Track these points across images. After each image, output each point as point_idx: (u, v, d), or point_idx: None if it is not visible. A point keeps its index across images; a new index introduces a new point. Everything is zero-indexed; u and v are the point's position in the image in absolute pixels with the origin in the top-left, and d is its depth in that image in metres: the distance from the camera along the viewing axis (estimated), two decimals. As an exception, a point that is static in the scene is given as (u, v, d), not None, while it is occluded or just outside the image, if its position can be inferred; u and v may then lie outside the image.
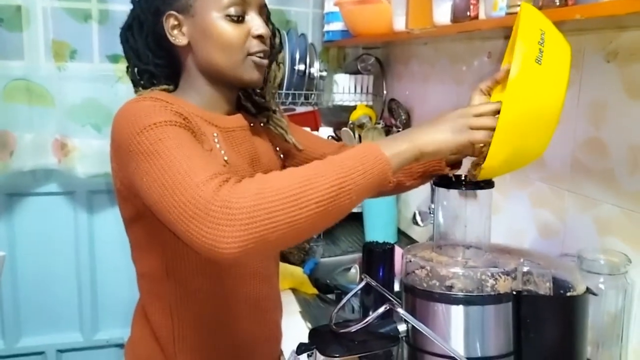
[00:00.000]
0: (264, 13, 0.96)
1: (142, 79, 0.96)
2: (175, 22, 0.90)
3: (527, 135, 0.76)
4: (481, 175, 0.81)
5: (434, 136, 0.76)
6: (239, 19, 0.90)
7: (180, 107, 0.85)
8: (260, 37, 0.92)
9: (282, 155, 1.08)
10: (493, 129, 0.75)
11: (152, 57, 0.94)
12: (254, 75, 0.93)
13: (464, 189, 0.85)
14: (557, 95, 0.74)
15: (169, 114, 0.81)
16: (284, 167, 1.08)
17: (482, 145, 0.80)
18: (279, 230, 0.65)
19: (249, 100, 1.05)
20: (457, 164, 1.01)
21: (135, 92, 0.98)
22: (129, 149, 0.78)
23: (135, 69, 0.96)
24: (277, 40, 1.01)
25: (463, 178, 0.86)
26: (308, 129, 2.12)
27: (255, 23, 0.91)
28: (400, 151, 0.74)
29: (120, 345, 2.24)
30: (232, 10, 0.89)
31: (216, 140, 0.90)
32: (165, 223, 0.72)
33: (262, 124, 1.05)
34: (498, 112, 0.76)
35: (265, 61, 0.94)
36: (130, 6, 0.96)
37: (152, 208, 0.75)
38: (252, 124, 1.01)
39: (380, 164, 0.72)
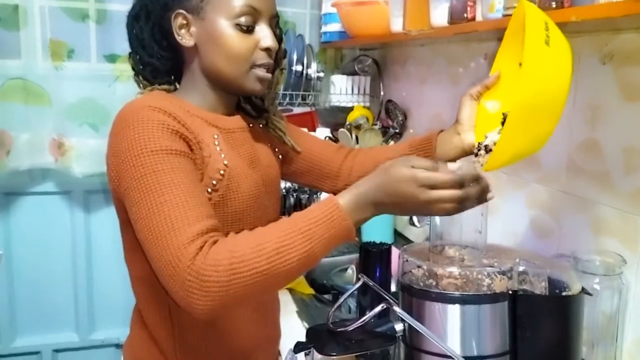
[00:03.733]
0: (275, 23, 0.95)
1: (144, 70, 0.96)
2: (184, 22, 0.90)
3: (536, 120, 0.78)
4: (488, 165, 0.82)
5: (399, 213, 0.80)
6: (249, 29, 0.89)
7: (181, 110, 0.85)
8: (267, 50, 0.91)
9: (280, 157, 1.08)
10: (452, 201, 0.74)
11: (157, 49, 0.94)
12: (256, 87, 0.93)
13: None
14: (564, 79, 0.77)
15: (168, 137, 0.81)
16: (282, 168, 1.09)
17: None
18: (248, 297, 0.73)
19: (248, 103, 1.05)
20: None
21: (136, 81, 0.98)
22: (124, 166, 0.79)
23: (138, 58, 0.96)
24: (283, 46, 1.01)
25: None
26: (305, 130, 2.14)
27: (264, 34, 0.91)
28: (365, 218, 0.78)
29: (116, 345, 2.24)
30: (242, 20, 0.88)
31: (216, 142, 0.90)
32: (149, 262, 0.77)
33: (260, 126, 1.05)
34: (457, 184, 0.74)
35: (269, 75, 0.94)
36: (127, 6, 0.96)
37: (138, 241, 0.79)
38: (250, 125, 1.01)
39: (346, 231, 0.76)
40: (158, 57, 0.94)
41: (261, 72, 0.92)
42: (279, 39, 0.96)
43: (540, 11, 0.80)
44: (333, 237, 0.75)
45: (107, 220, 2.16)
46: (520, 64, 0.88)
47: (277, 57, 0.97)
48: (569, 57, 0.78)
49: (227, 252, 0.72)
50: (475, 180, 0.76)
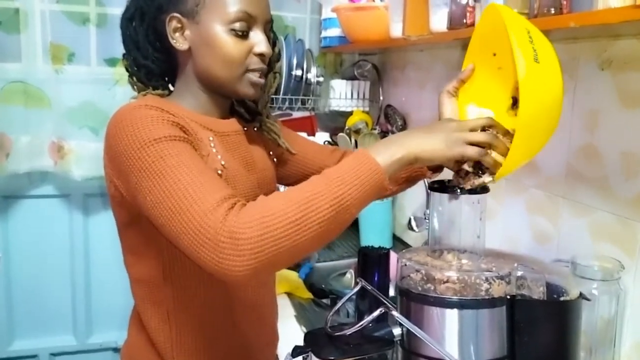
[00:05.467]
0: (269, 28, 0.95)
1: (139, 71, 0.96)
2: (178, 25, 0.90)
3: (539, 132, 0.79)
4: (498, 176, 0.82)
5: (429, 143, 0.78)
6: (243, 34, 0.89)
7: (176, 113, 0.85)
8: (261, 55, 0.92)
9: (275, 160, 1.08)
10: (484, 146, 0.80)
11: (151, 50, 0.94)
12: (249, 92, 0.93)
13: (459, 194, 0.85)
14: (557, 88, 0.78)
15: (167, 127, 0.80)
16: (277, 172, 1.09)
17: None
18: (284, 254, 0.69)
19: (242, 106, 1.05)
20: (439, 168, 1.02)
21: (130, 83, 0.98)
22: (128, 163, 0.78)
23: (132, 59, 0.96)
24: (276, 50, 1.02)
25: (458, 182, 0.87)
26: (304, 134, 2.14)
27: (258, 40, 0.91)
28: (396, 159, 0.76)
29: (114, 349, 2.23)
30: (237, 26, 0.88)
31: (212, 144, 0.90)
32: (175, 245, 0.74)
33: (255, 129, 1.05)
34: (489, 126, 0.82)
35: (262, 80, 0.94)
36: None
37: (159, 229, 0.76)
38: (245, 129, 1.01)
39: (376, 174, 0.74)
40: (152, 59, 0.94)
41: (254, 77, 0.92)
42: (272, 43, 0.97)
43: (519, 16, 0.80)
44: (364, 183, 0.73)
45: (105, 223, 2.15)
46: (495, 54, 0.89)
47: (271, 60, 0.98)
48: (556, 63, 0.78)
49: (258, 208, 0.70)
50: (505, 135, 0.82)
